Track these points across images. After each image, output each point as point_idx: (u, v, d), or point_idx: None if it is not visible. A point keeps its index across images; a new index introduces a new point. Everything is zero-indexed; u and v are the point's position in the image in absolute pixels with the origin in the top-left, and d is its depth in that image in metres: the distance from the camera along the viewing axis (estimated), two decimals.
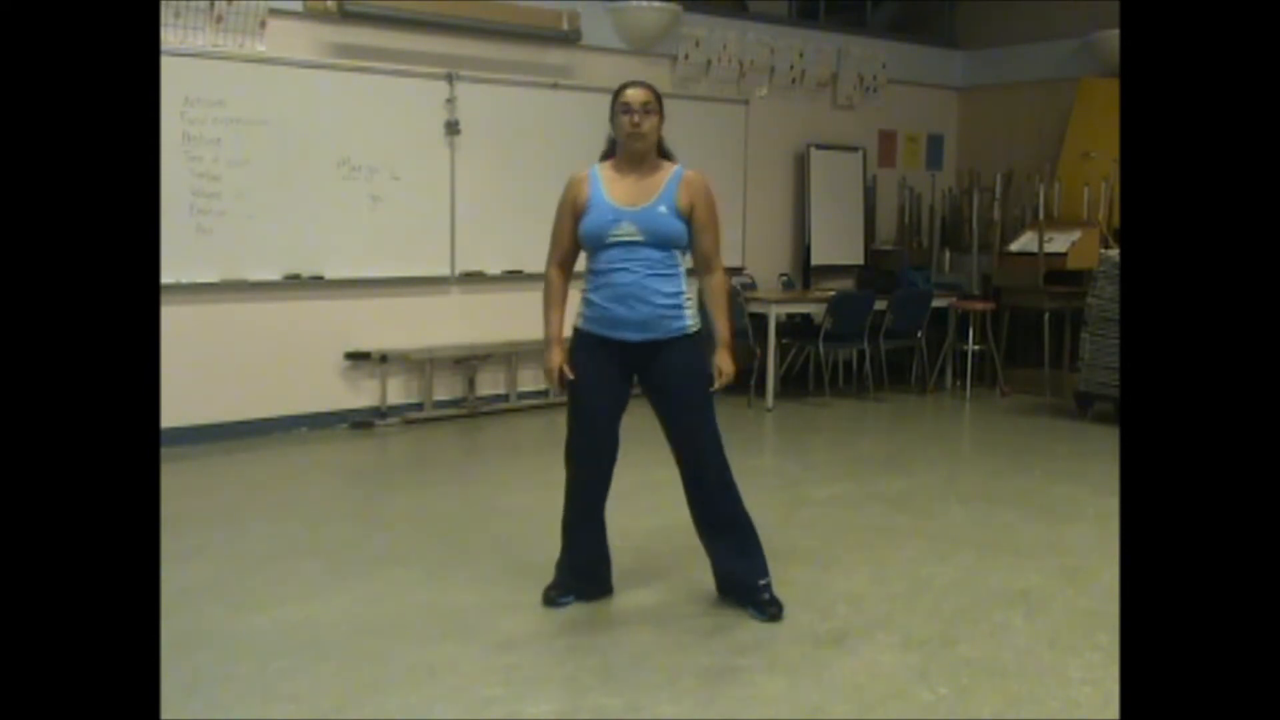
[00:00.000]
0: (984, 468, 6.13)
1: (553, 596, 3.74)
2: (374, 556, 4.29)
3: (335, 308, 6.75)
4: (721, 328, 3.59)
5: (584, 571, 3.76)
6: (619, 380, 3.56)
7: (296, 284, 6.56)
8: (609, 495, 3.70)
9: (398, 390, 7.02)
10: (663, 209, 3.44)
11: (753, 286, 8.46)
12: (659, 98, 3.50)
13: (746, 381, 7.84)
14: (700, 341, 3.55)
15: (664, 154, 3.56)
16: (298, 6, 6.49)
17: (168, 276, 5.94)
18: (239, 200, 6.27)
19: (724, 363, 3.59)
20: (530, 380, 7.49)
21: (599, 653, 3.37)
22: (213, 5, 6.12)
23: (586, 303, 3.53)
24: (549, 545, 4.35)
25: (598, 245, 3.47)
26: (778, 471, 6.17)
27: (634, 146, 3.46)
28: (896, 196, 9.71)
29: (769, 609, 3.59)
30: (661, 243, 3.44)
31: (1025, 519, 4.91)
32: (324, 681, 3.15)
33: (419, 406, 7.06)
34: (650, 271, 3.42)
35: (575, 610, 3.68)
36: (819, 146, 9.08)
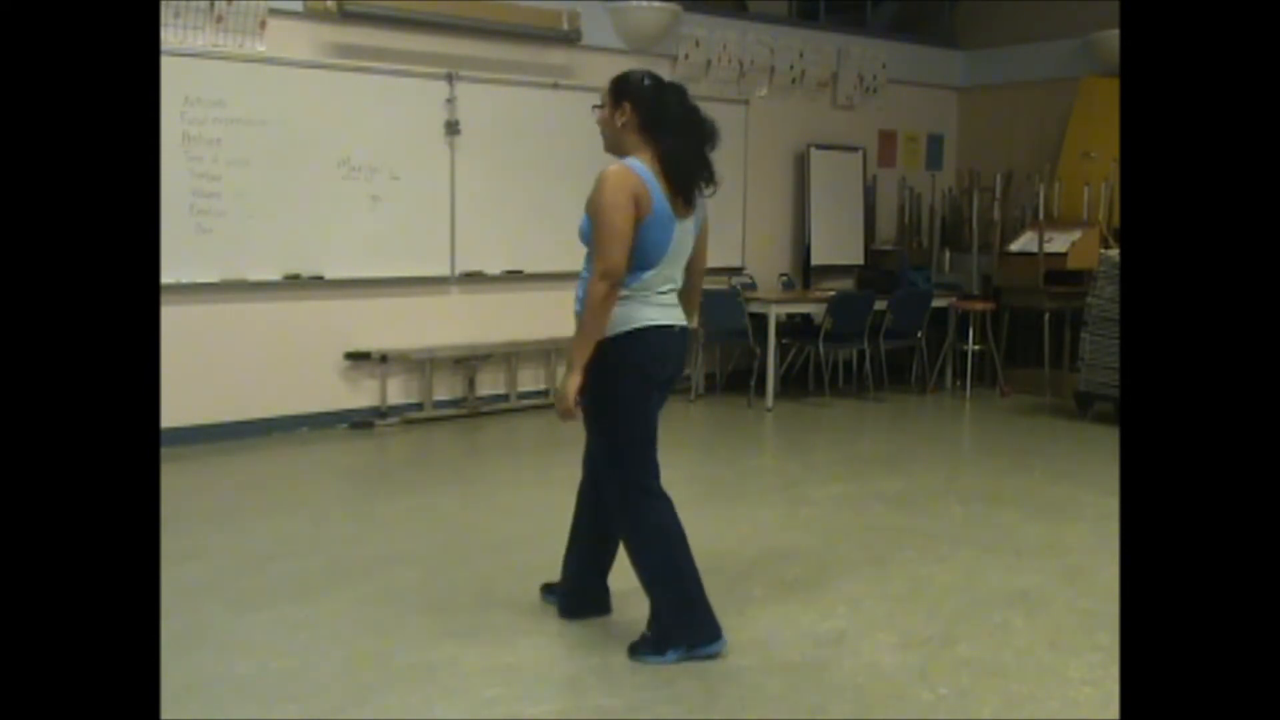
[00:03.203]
0: (984, 468, 6.13)
1: (543, 589, 3.76)
2: (374, 556, 4.28)
3: (335, 308, 6.75)
4: (572, 346, 3.19)
5: (568, 586, 3.67)
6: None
7: (296, 284, 6.56)
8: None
9: (398, 390, 7.02)
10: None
11: (753, 286, 8.46)
12: (612, 88, 3.27)
13: (746, 381, 7.84)
14: (604, 351, 3.18)
15: (651, 141, 3.22)
16: (298, 6, 6.49)
17: (168, 276, 5.94)
18: (239, 200, 6.27)
19: (564, 386, 3.18)
20: (530, 380, 7.49)
21: (599, 653, 3.36)
22: (213, 5, 6.12)
23: None
24: (549, 545, 4.35)
25: None
26: (778, 471, 6.17)
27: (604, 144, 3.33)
28: (896, 196, 9.71)
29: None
30: (586, 243, 3.25)
31: (1025, 519, 4.91)
32: (324, 681, 3.15)
33: (419, 406, 7.06)
34: (582, 275, 3.25)
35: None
36: (819, 146, 9.08)
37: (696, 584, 3.32)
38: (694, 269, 3.49)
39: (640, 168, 3.17)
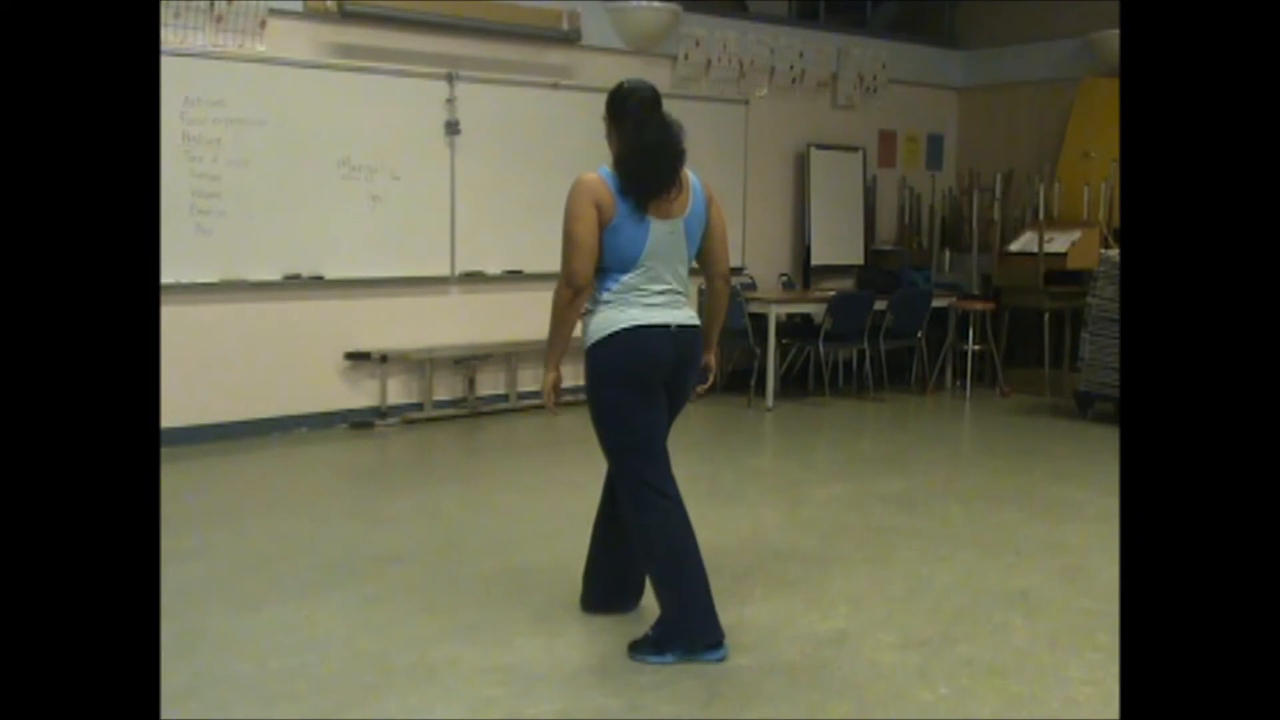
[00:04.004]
0: (984, 468, 6.13)
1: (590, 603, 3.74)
2: (374, 556, 4.28)
3: (335, 308, 6.75)
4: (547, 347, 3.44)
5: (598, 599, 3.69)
6: None
7: (296, 284, 6.56)
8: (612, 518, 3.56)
9: (398, 390, 7.02)
10: None
11: (753, 286, 8.47)
12: (607, 102, 3.38)
13: (746, 381, 7.84)
14: (589, 358, 3.31)
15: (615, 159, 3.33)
16: (298, 6, 6.49)
17: (168, 276, 5.94)
18: (239, 200, 6.27)
19: (543, 384, 3.48)
20: (530, 380, 7.49)
21: (599, 653, 3.36)
22: (213, 5, 6.12)
23: None
24: (549, 545, 4.36)
25: None
26: (778, 471, 6.17)
27: None
28: (896, 196, 9.71)
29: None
30: None
31: (1025, 519, 4.91)
32: (324, 681, 3.15)
33: (419, 406, 7.06)
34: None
35: (575, 611, 3.67)
36: (819, 146, 9.08)
37: (702, 589, 3.31)
38: (710, 271, 3.51)
39: (608, 174, 3.25)
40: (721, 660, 3.27)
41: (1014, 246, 8.47)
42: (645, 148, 3.22)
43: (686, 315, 3.34)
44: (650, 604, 3.47)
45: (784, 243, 9.13)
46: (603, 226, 3.21)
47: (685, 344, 3.33)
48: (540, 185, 7.18)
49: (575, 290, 3.25)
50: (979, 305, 8.24)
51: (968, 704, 3.05)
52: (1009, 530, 4.74)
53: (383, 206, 6.80)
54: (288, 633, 3.51)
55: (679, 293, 3.34)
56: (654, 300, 3.28)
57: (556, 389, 3.44)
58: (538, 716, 2.95)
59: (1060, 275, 8.08)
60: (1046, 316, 8.15)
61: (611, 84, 3.43)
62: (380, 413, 6.92)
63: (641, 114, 3.28)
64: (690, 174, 3.34)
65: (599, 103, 3.42)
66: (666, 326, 3.27)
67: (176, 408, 5.85)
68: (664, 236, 3.27)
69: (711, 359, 3.59)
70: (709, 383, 3.62)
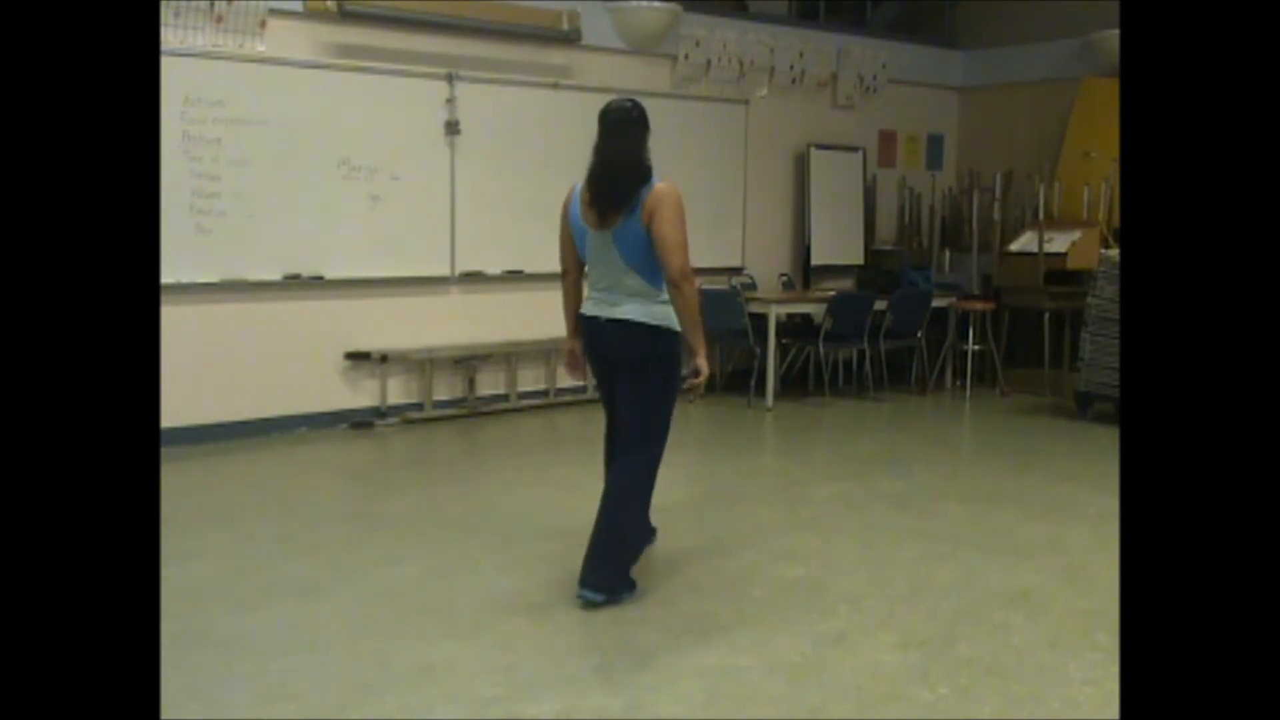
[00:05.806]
0: (984, 468, 6.13)
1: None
2: (374, 556, 4.28)
3: (335, 308, 6.75)
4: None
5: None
6: None
7: (296, 284, 6.56)
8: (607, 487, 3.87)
9: (398, 390, 7.02)
10: None
11: (753, 286, 8.46)
12: None
13: (746, 381, 7.84)
14: None
15: None
16: (298, 6, 6.49)
17: (168, 276, 5.94)
18: (239, 200, 6.27)
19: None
20: (530, 380, 7.49)
21: (599, 653, 3.37)
22: (213, 5, 6.11)
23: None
24: (548, 544, 4.36)
25: None
26: (778, 471, 6.17)
27: None
28: (896, 196, 9.71)
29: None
30: None
31: (1025, 519, 4.91)
32: (324, 681, 3.15)
33: (419, 406, 7.06)
34: None
35: (575, 610, 3.67)
36: (819, 146, 9.08)
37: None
38: (663, 277, 3.70)
39: (579, 184, 3.76)
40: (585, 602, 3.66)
41: (1014, 246, 8.47)
42: (595, 164, 3.69)
43: (624, 310, 3.70)
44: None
45: (784, 243, 9.13)
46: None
47: (616, 336, 3.71)
48: (540, 185, 7.18)
49: (562, 271, 3.95)
50: (979, 305, 8.24)
51: (968, 704, 3.05)
52: (1009, 530, 4.74)
53: (382, 206, 6.80)
54: (288, 633, 3.51)
55: (620, 292, 3.71)
56: (597, 295, 3.78)
57: (572, 355, 4.01)
58: (538, 716, 2.95)
59: (1060, 275, 8.08)
60: (1046, 316, 8.15)
61: (611, 84, 3.51)
62: (380, 413, 6.92)
63: (601, 132, 3.69)
64: (653, 186, 3.62)
65: (599, 103, 3.48)
66: (596, 319, 3.76)
67: (176, 408, 5.85)
68: (598, 245, 3.70)
69: (700, 361, 3.71)
70: (693, 384, 3.75)
